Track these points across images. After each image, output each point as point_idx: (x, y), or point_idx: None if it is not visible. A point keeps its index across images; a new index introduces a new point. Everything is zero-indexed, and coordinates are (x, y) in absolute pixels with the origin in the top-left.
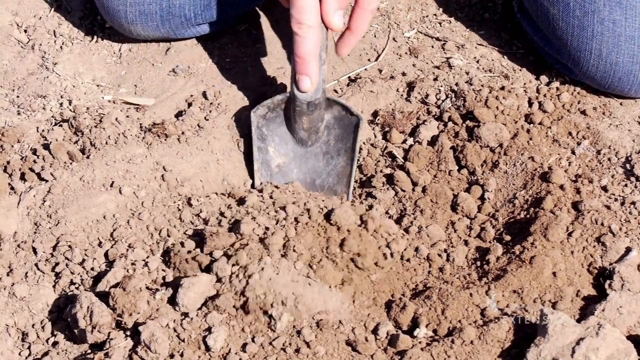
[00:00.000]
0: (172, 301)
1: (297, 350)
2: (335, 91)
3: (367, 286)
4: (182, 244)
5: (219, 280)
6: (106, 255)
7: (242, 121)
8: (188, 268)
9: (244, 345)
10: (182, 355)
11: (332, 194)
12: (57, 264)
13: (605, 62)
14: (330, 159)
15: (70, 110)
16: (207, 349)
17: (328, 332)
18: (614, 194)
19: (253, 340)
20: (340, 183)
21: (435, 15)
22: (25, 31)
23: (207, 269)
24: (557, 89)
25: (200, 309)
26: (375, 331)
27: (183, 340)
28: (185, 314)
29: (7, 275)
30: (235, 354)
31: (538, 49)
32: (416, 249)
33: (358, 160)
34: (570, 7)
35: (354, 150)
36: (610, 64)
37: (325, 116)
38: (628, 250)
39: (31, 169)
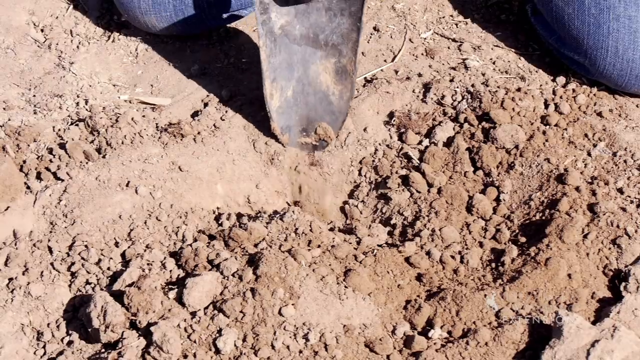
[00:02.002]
0: (180, 300)
1: (316, 353)
2: None
3: (395, 291)
4: (192, 244)
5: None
6: (123, 255)
7: (258, 122)
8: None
9: (256, 349)
10: (195, 356)
11: (337, 53)
12: (72, 263)
13: (622, 59)
14: (334, 16)
15: (87, 109)
16: (217, 351)
17: (351, 336)
18: (629, 196)
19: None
20: (345, 45)
21: (451, 16)
22: (42, 30)
23: (216, 268)
24: (573, 90)
25: (207, 307)
26: (393, 332)
27: (195, 342)
28: (194, 314)
29: (23, 274)
30: (247, 356)
31: (553, 51)
32: (428, 252)
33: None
34: (586, 5)
35: (361, 14)
36: (627, 61)
37: None
38: None
39: (47, 168)
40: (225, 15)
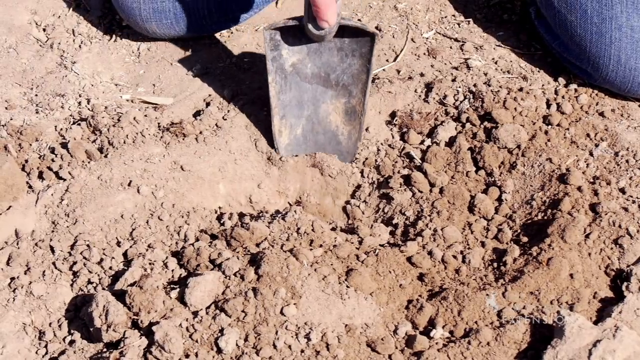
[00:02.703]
0: (182, 300)
1: (317, 353)
2: None
3: (396, 291)
4: (194, 244)
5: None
6: (125, 254)
7: (260, 121)
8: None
9: (258, 348)
10: (197, 355)
11: (347, 94)
12: (74, 262)
13: (624, 67)
14: (345, 57)
15: (89, 109)
16: (219, 351)
17: (352, 336)
18: (631, 196)
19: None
20: (356, 85)
21: (453, 16)
22: (44, 30)
23: (218, 267)
24: (576, 90)
25: (209, 307)
26: (394, 332)
27: (196, 341)
28: (196, 313)
29: (25, 273)
30: (249, 356)
31: (556, 55)
32: (430, 252)
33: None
34: (588, 14)
35: (371, 56)
36: (629, 70)
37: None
38: None
39: (49, 168)
40: (224, 24)
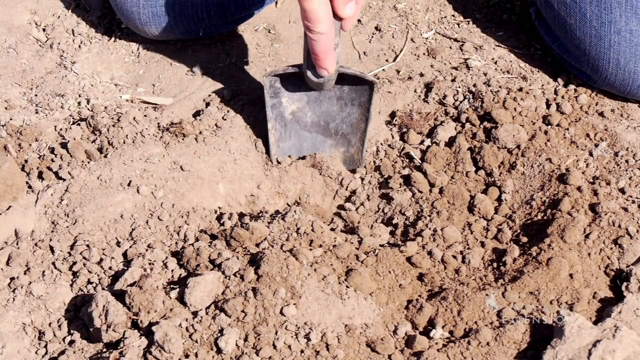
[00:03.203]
0: (182, 300)
1: (317, 353)
2: None
3: (396, 291)
4: (193, 244)
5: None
6: (125, 255)
7: (260, 121)
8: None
9: (257, 348)
10: (196, 355)
11: (346, 143)
12: (74, 262)
13: (623, 71)
14: (344, 106)
15: (88, 109)
16: (219, 351)
17: (352, 336)
18: (631, 196)
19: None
20: (354, 135)
21: (453, 16)
22: (44, 30)
23: (217, 267)
24: (575, 90)
25: (209, 307)
26: (394, 332)
27: (196, 341)
28: (195, 313)
29: (24, 273)
30: (249, 356)
31: (556, 56)
32: (430, 252)
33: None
34: (587, 17)
35: (370, 105)
36: (628, 73)
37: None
38: None
39: (49, 168)
40: (223, 26)
